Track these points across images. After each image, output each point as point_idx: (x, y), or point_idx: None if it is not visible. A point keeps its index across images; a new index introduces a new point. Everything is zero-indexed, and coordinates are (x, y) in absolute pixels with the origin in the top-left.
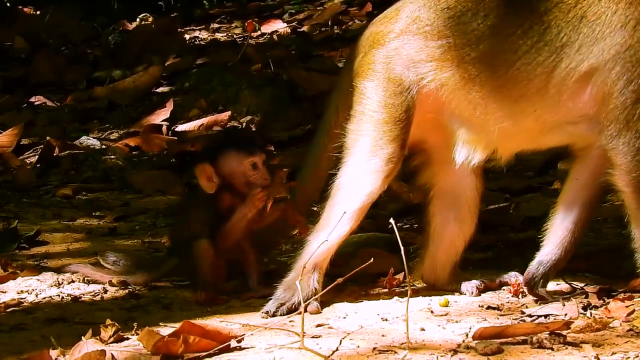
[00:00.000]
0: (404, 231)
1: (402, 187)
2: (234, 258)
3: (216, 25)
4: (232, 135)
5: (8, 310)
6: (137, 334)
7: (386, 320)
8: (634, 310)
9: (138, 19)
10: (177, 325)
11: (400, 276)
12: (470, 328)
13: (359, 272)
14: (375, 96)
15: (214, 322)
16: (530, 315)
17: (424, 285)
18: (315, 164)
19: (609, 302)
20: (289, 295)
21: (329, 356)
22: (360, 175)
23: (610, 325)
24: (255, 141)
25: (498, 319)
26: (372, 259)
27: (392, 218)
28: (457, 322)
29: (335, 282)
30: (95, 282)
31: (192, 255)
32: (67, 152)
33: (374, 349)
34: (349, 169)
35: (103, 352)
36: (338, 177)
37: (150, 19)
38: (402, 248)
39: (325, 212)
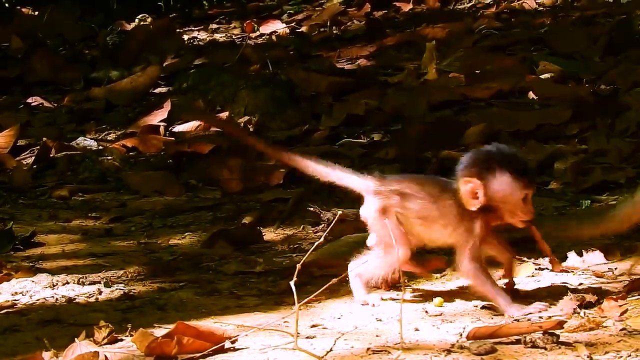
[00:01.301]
0: None
1: None
2: None
3: (215, 26)
4: (506, 154)
5: (2, 312)
6: (131, 335)
7: (380, 320)
8: (627, 310)
9: (137, 20)
10: (172, 326)
11: (396, 276)
12: (464, 328)
13: None
14: None
15: (208, 323)
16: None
17: (420, 285)
18: None
19: (602, 302)
20: None
21: (322, 356)
22: None
23: (604, 324)
24: (532, 168)
25: (492, 318)
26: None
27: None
28: (451, 322)
29: (330, 282)
30: (90, 283)
31: None
32: (63, 153)
33: (368, 349)
34: None
35: (96, 353)
36: None
37: (149, 20)
38: (397, 248)
39: None
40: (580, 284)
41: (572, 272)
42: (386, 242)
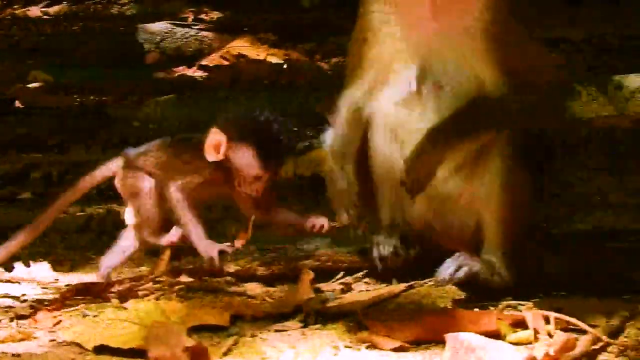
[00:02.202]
0: None
1: None
2: None
3: None
4: (264, 130)
5: None
6: None
7: None
8: (60, 321)
9: None
10: None
11: None
12: None
13: None
14: None
15: None
16: None
17: None
18: None
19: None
20: None
21: None
22: None
23: (35, 335)
24: (283, 152)
25: None
26: None
27: None
28: None
29: None
30: None
31: None
32: None
33: None
34: None
35: None
36: None
37: None
38: None
39: None
40: (24, 294)
41: (18, 282)
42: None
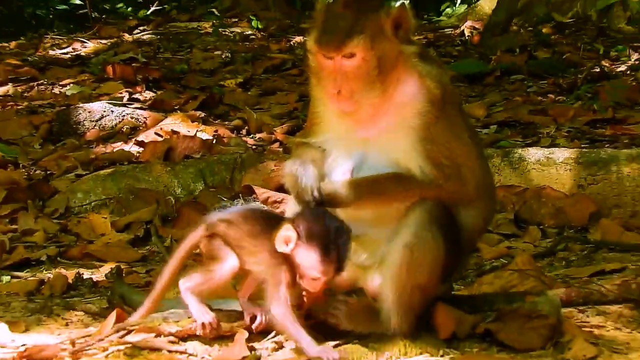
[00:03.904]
0: None
1: None
2: None
3: None
4: (336, 237)
5: None
6: None
7: None
8: None
9: None
10: None
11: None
12: None
13: None
14: None
15: None
16: None
17: None
18: None
19: None
20: None
21: None
22: None
23: None
24: (344, 257)
25: None
26: None
27: None
28: None
29: None
30: None
31: None
32: None
33: None
34: None
35: None
36: None
37: None
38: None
39: None
40: None
41: None
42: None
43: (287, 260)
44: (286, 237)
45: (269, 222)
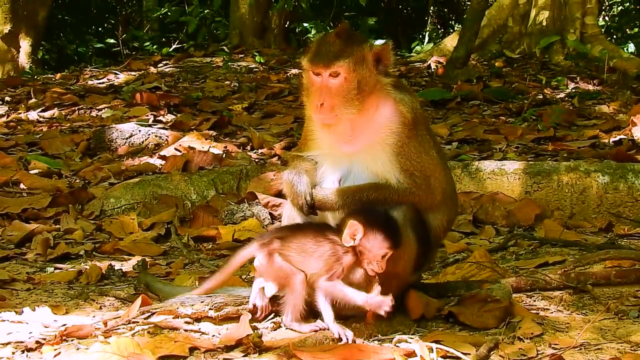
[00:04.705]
0: None
1: None
2: None
3: None
4: (386, 217)
5: None
6: None
7: None
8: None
9: None
10: None
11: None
12: None
13: None
14: None
15: None
16: None
17: None
18: None
19: None
20: None
21: None
22: None
23: None
24: (399, 232)
25: None
26: None
27: None
28: None
29: None
30: None
31: None
32: None
33: None
34: None
35: None
36: None
37: None
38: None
39: None
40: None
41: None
42: (279, 280)
43: (345, 257)
44: (353, 232)
45: (309, 229)
